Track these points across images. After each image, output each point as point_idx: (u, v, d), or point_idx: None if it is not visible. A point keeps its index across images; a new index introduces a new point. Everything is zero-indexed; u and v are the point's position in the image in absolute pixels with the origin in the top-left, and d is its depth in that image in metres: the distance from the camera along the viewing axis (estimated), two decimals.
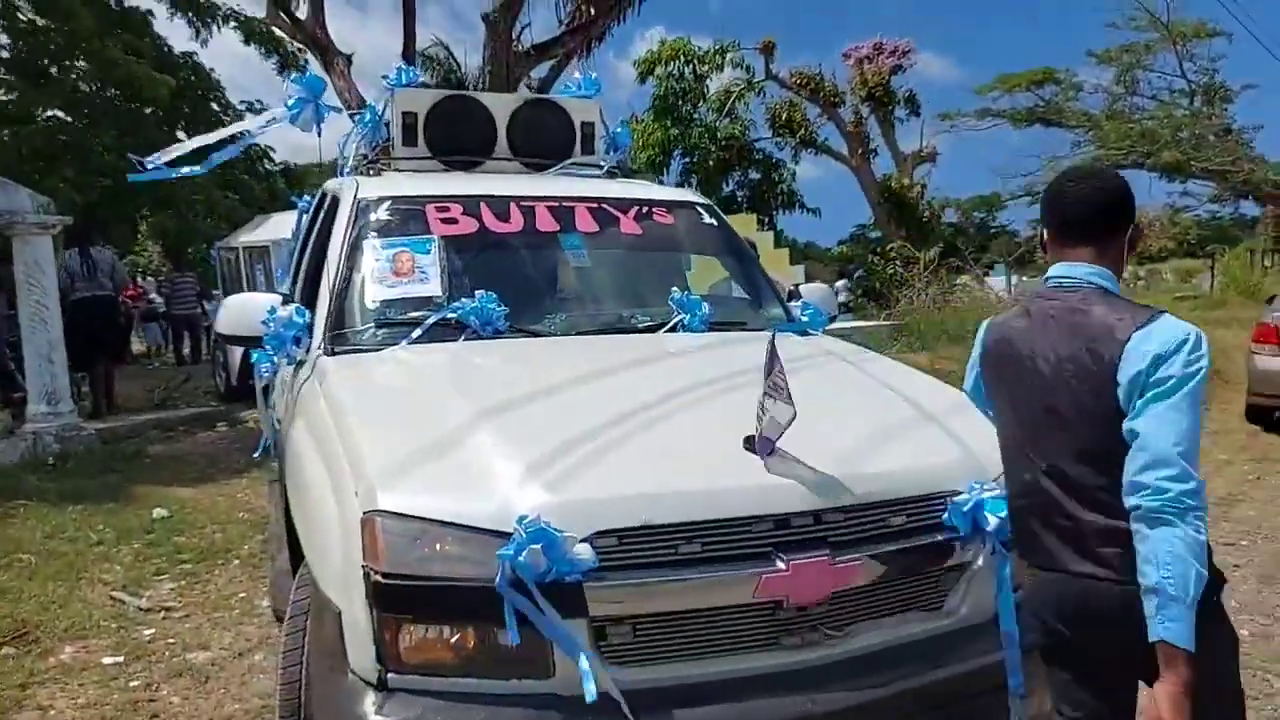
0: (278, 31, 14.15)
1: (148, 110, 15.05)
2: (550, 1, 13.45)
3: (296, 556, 2.50)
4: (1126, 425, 1.59)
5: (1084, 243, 1.76)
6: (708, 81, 20.88)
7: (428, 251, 3.04)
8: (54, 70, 14.38)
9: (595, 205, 3.44)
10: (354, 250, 3.09)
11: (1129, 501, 1.57)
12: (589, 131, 4.07)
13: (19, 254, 7.31)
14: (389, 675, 1.81)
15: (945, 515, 2.07)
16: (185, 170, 4.36)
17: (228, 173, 15.73)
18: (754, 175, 21.75)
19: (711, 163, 20.43)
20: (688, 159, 20.82)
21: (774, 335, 1.97)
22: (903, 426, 2.32)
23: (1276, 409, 7.89)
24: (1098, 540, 1.66)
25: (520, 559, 1.71)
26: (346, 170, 4.07)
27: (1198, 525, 1.52)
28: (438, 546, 1.80)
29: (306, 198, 4.64)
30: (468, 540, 1.79)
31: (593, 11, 12.54)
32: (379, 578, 1.78)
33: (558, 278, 3.44)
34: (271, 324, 3.00)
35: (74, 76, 14.70)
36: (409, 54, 11.98)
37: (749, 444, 1.99)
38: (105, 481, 6.41)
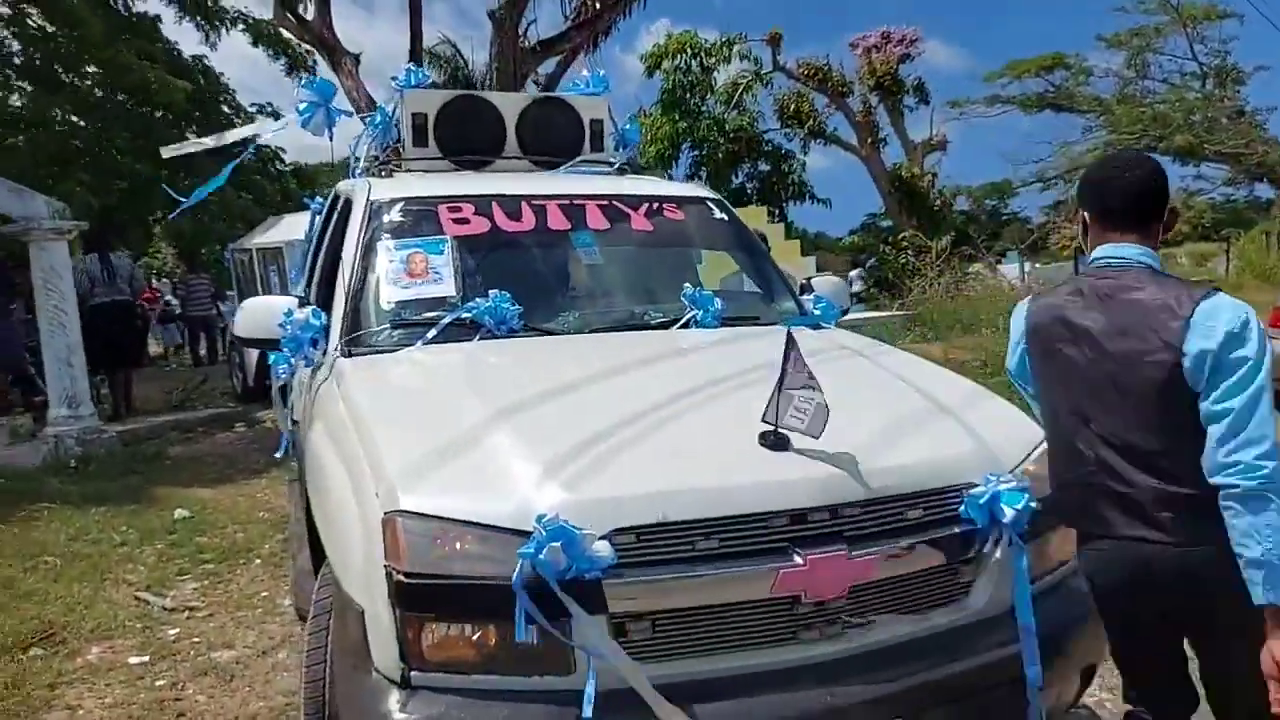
0: (285, 33, 14.18)
1: (159, 114, 15.13)
2: None
3: (317, 555, 2.53)
4: (1206, 405, 1.72)
5: (1131, 228, 1.91)
6: (715, 74, 20.87)
7: (441, 252, 3.06)
8: (66, 76, 14.46)
9: (606, 202, 3.45)
10: (368, 252, 3.11)
11: (1219, 479, 1.69)
12: (598, 129, 4.08)
13: (36, 260, 7.33)
14: (412, 673, 1.83)
15: (962, 508, 2.07)
16: (213, 185, 4.42)
17: (241, 173, 15.77)
18: (763, 167, 21.71)
19: (720, 155, 20.41)
20: (696, 152, 20.81)
21: (789, 331, 1.97)
22: (918, 420, 2.32)
23: None
24: (1156, 506, 1.79)
25: (541, 557, 1.73)
26: (358, 171, 4.09)
27: None
28: (458, 546, 1.82)
29: (319, 199, 4.67)
30: (488, 539, 1.81)
31: (598, 6, 12.53)
32: (401, 577, 1.80)
33: (570, 276, 3.45)
34: (289, 327, 3.03)
35: (87, 83, 14.78)
36: (416, 52, 12.02)
37: (765, 439, 2.01)
38: (127, 483, 6.49)
